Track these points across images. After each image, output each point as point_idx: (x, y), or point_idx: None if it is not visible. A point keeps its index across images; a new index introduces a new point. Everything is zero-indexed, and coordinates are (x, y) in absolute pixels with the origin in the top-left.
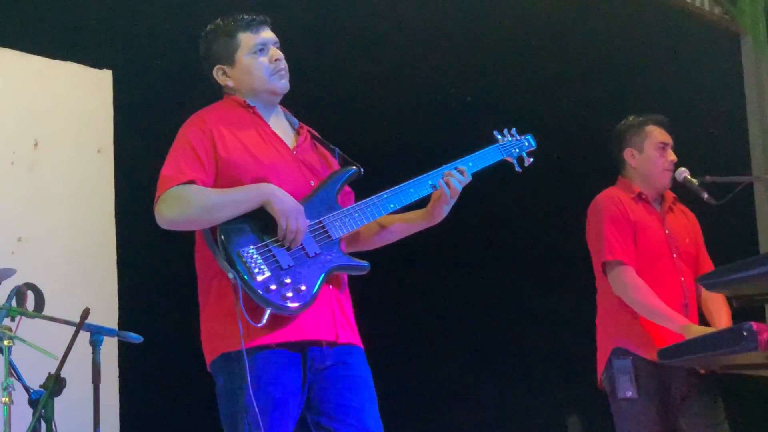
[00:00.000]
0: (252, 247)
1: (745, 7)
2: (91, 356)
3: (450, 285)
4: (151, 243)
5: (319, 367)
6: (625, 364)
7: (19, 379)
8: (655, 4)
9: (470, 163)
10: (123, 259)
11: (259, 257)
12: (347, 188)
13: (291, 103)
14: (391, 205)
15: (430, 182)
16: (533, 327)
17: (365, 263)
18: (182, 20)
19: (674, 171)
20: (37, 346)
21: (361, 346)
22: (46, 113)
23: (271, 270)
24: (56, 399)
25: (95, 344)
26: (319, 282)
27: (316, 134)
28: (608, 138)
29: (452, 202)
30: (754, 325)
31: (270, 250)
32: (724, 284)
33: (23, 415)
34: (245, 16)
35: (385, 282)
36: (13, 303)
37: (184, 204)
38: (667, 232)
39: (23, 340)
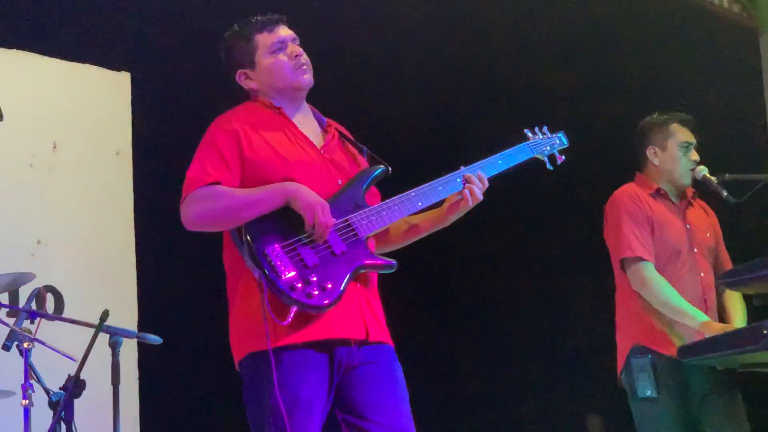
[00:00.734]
0: (278, 245)
1: (763, 3)
2: (110, 358)
3: (470, 285)
4: (170, 244)
5: (348, 366)
6: (644, 362)
7: (39, 381)
8: (673, 1)
9: (500, 161)
10: (142, 260)
11: (285, 255)
12: (374, 189)
13: (317, 100)
14: (419, 203)
15: (459, 180)
16: (553, 325)
17: (393, 261)
18: (199, 22)
19: (695, 170)
20: (57, 349)
21: (392, 344)
22: (65, 115)
23: (296, 268)
24: (76, 401)
25: (115, 346)
26: (345, 280)
27: (345, 132)
28: (628, 136)
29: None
30: None
31: (295, 249)
32: (744, 282)
33: (43, 417)
34: (259, 18)
35: (405, 282)
36: (33, 305)
37: (209, 205)
38: (687, 226)
39: (43, 343)
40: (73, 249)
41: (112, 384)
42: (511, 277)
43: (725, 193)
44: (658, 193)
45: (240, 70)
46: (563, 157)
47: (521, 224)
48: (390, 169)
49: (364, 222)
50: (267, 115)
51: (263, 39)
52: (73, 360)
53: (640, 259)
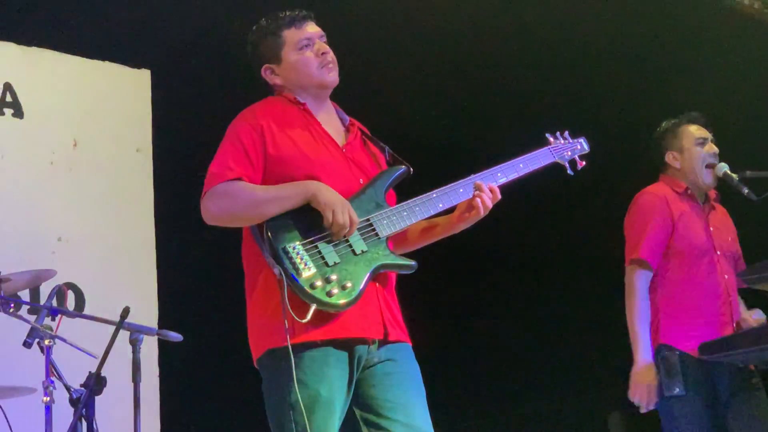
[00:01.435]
0: (298, 243)
1: None
2: (131, 355)
3: (492, 284)
4: (191, 242)
5: (367, 364)
6: (671, 360)
7: (60, 378)
8: None
9: (521, 165)
10: (162, 258)
11: (305, 254)
12: (390, 190)
13: (339, 98)
14: (440, 205)
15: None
16: (575, 323)
17: (413, 262)
18: (220, 19)
19: (715, 166)
20: (78, 346)
21: (410, 342)
22: (85, 113)
23: (316, 266)
24: (97, 398)
25: (135, 343)
26: (365, 280)
27: (367, 132)
28: (648, 138)
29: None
30: None
31: (316, 247)
32: (764, 279)
33: (64, 414)
34: (288, 13)
35: (428, 281)
36: (54, 302)
37: (231, 200)
38: (711, 229)
39: (64, 340)
40: (94, 246)
41: (133, 381)
42: (532, 276)
43: (746, 190)
44: (686, 193)
45: (266, 65)
46: (584, 162)
47: (543, 223)
48: (411, 169)
49: (385, 222)
50: (291, 112)
51: (290, 35)
52: (94, 357)
53: (642, 264)
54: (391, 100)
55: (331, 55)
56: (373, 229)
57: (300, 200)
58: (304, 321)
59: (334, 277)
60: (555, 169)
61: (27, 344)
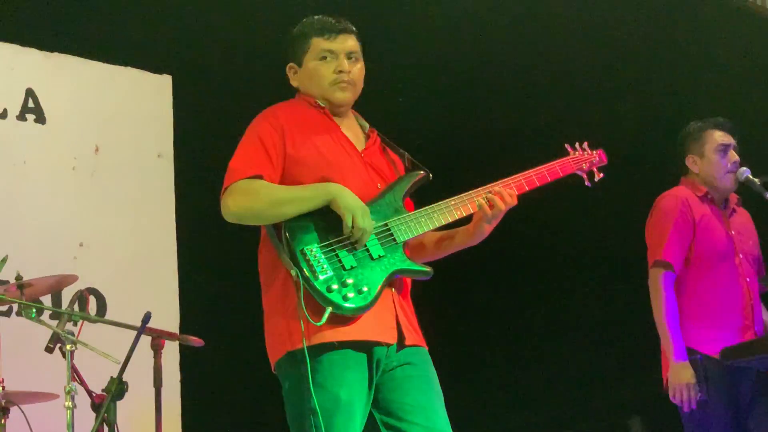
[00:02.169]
0: (316, 245)
1: None
2: (152, 360)
3: (511, 287)
4: (212, 247)
5: (386, 368)
6: (694, 365)
7: (82, 383)
8: (713, 1)
9: (545, 173)
10: (184, 263)
11: (323, 256)
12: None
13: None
14: (457, 213)
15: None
16: (596, 327)
17: (429, 269)
18: (241, 25)
19: (737, 171)
20: (100, 351)
21: (426, 347)
22: (107, 118)
23: (333, 270)
24: (118, 403)
25: (157, 348)
26: (381, 284)
27: (387, 139)
28: (671, 141)
29: (494, 222)
30: None
31: (333, 250)
32: None
33: (86, 419)
34: (323, 20)
35: (445, 286)
36: (76, 307)
37: (251, 198)
38: (732, 233)
39: (86, 345)
40: (116, 251)
41: (155, 386)
42: (551, 279)
43: None
44: (706, 197)
45: (290, 64)
46: (602, 174)
47: (561, 226)
48: (431, 175)
49: (403, 227)
50: (312, 114)
51: (317, 43)
52: (116, 362)
53: (667, 266)
54: (409, 106)
55: (349, 75)
56: (391, 234)
57: (320, 202)
58: (319, 324)
59: (350, 281)
60: (571, 176)
61: (49, 349)
